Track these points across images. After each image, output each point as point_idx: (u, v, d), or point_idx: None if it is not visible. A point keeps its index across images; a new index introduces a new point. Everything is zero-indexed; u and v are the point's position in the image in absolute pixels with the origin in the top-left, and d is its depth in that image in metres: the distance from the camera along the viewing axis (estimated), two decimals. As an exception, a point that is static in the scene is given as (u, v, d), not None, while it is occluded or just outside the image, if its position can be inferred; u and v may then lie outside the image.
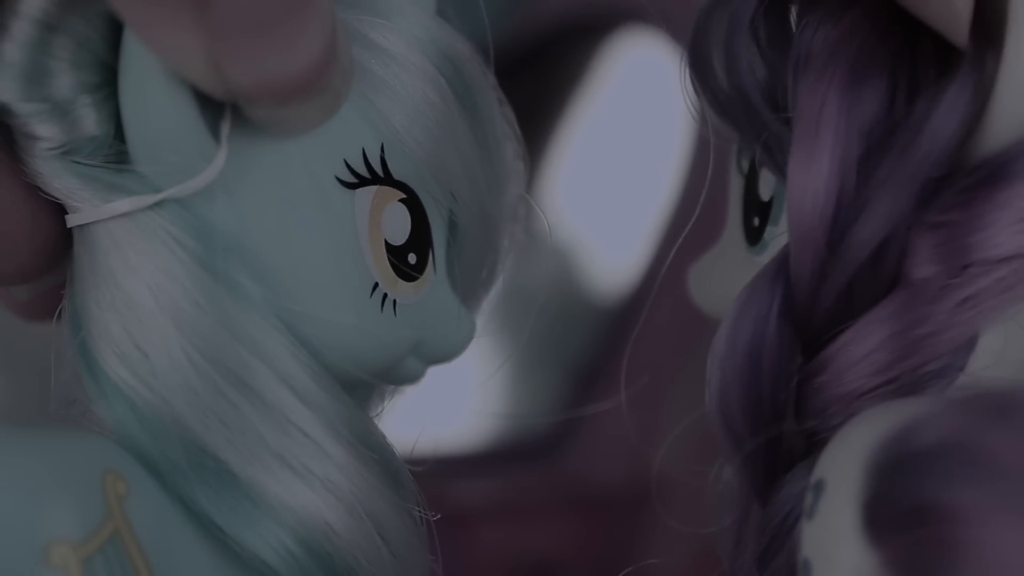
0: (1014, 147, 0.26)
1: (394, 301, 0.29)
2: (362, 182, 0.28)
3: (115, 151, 0.27)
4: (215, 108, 0.27)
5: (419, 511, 0.29)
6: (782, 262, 0.27)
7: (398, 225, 0.29)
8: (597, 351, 0.58)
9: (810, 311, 0.27)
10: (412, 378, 0.31)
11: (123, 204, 0.27)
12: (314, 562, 0.27)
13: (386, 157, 0.29)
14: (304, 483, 0.27)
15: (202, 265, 0.27)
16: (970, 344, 0.27)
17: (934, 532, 0.21)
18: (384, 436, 0.29)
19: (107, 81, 0.27)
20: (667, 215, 0.58)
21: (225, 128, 0.27)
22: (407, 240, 0.29)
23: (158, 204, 0.27)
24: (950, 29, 0.26)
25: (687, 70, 0.31)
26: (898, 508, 0.22)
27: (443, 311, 0.30)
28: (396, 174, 0.29)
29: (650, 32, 0.58)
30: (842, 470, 0.24)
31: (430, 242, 0.30)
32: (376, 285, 0.28)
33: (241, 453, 0.26)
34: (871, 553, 0.23)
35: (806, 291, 0.27)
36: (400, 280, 0.29)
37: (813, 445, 0.27)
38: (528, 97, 0.60)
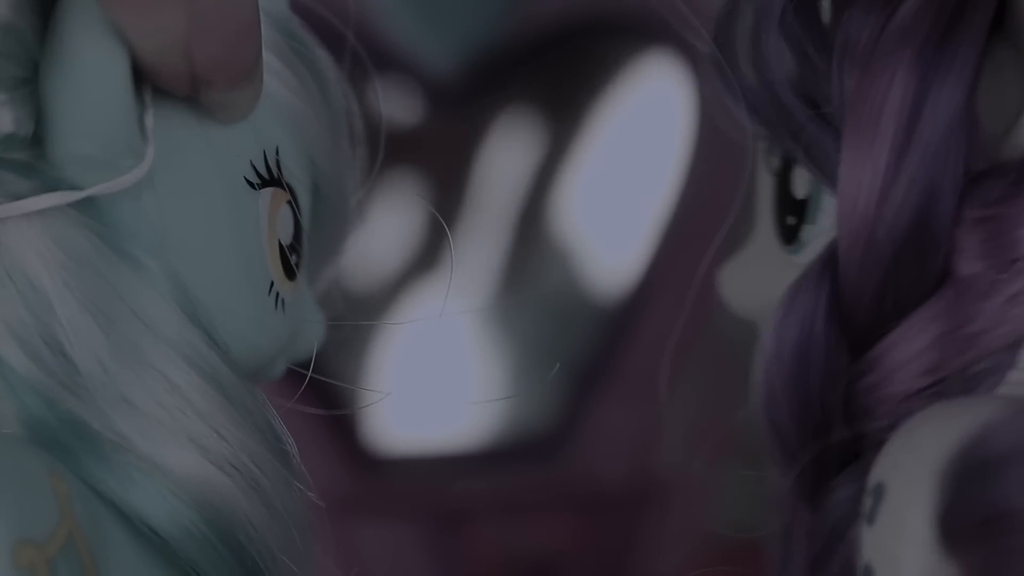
0: None
1: (283, 299, 0.30)
2: (264, 183, 0.29)
3: (29, 150, 0.26)
4: (136, 107, 0.26)
5: (313, 497, 0.30)
6: (828, 260, 0.27)
7: (287, 226, 0.30)
8: (597, 351, 0.58)
9: (858, 310, 0.27)
10: (275, 376, 0.32)
11: (44, 200, 0.26)
12: (223, 544, 0.27)
13: (280, 159, 0.30)
14: (219, 469, 0.27)
15: (123, 260, 0.27)
16: (1021, 341, 0.26)
17: (1015, 541, 0.21)
18: (281, 423, 0.30)
19: (32, 77, 0.26)
20: (667, 215, 0.58)
21: (149, 123, 0.27)
22: (291, 241, 0.30)
23: (79, 200, 0.26)
24: None
25: (711, 66, 0.30)
26: (977, 518, 0.22)
27: (306, 308, 0.32)
28: (285, 175, 0.30)
29: (651, 32, 0.58)
30: (907, 475, 0.24)
31: (303, 241, 0.31)
32: (272, 283, 0.29)
33: (155, 440, 0.27)
34: (946, 563, 0.22)
35: (854, 290, 0.27)
36: (286, 278, 0.30)
37: (864, 447, 0.27)
38: (527, 97, 0.60)
